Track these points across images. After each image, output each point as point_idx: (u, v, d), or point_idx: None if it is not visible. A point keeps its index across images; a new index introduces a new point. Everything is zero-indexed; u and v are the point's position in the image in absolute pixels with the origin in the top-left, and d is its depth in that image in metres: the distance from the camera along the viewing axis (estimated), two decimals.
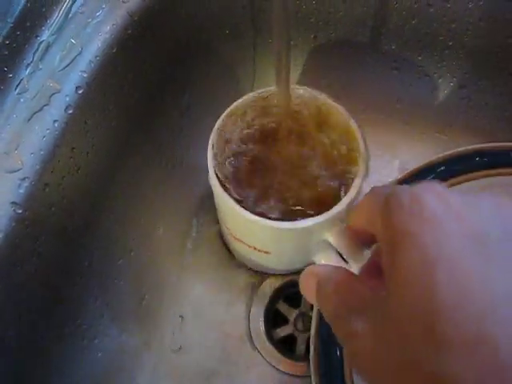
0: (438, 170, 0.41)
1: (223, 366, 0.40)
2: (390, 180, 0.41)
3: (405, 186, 0.18)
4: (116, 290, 0.39)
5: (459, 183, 0.41)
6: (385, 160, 0.46)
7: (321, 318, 0.37)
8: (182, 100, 0.42)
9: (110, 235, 0.37)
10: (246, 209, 0.32)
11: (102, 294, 0.38)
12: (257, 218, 0.31)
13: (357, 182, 0.32)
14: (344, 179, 0.33)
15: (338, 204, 0.31)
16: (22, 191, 0.30)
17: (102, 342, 0.37)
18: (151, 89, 0.38)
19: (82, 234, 0.35)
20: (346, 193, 0.32)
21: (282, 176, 0.34)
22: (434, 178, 0.41)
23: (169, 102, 0.41)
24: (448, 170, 0.41)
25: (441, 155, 0.41)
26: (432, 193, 0.17)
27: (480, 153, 0.41)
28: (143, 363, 0.40)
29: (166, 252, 0.42)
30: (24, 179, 0.30)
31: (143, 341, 0.41)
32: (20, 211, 0.29)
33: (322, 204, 0.32)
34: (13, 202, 0.29)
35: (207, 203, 0.44)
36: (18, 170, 0.30)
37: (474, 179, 0.41)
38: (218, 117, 0.36)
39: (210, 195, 0.37)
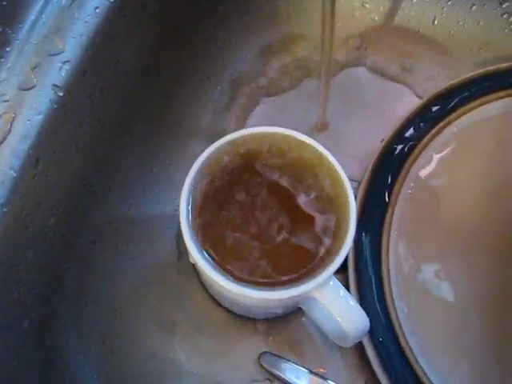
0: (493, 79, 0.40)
1: None
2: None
3: None
4: (149, 199, 0.39)
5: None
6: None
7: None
8: (217, 10, 0.41)
9: (145, 140, 0.37)
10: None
11: (135, 202, 0.38)
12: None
13: (349, 240, 0.29)
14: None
15: (331, 266, 0.28)
16: (63, 74, 0.30)
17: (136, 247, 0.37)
18: None
19: (118, 132, 0.35)
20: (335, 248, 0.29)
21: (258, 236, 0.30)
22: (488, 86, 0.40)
23: (204, 9, 0.40)
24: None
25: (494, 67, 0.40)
26: None
27: None
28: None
29: None
30: (65, 63, 0.30)
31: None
32: (61, 94, 0.29)
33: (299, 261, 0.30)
34: (54, 85, 0.29)
35: None
36: (60, 53, 0.30)
37: None
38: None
39: None
